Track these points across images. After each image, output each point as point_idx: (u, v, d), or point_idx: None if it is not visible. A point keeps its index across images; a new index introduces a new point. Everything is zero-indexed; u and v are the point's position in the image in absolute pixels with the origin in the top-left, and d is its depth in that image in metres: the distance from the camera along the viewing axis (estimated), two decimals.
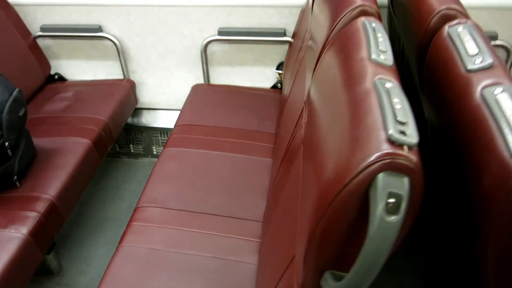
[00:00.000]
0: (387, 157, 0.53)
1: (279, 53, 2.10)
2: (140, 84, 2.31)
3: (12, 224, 1.45)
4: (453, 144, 0.76)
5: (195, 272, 1.26)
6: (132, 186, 2.30)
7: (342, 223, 0.58)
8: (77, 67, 2.33)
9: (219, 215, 1.44)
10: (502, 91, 0.65)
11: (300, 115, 1.25)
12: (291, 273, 0.75)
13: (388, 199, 0.51)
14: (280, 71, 2.10)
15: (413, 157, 0.53)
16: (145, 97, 2.36)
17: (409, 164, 0.53)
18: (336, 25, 1.04)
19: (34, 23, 2.18)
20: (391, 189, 0.52)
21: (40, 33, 2.19)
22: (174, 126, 1.87)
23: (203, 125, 1.84)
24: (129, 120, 2.36)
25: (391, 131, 0.55)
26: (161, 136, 2.37)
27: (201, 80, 2.24)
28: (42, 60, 2.20)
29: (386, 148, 0.53)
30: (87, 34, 2.16)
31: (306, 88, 1.22)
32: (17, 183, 1.60)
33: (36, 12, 2.16)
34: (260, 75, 2.19)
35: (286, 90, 1.76)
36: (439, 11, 0.97)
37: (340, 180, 0.56)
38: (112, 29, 2.15)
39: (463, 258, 0.76)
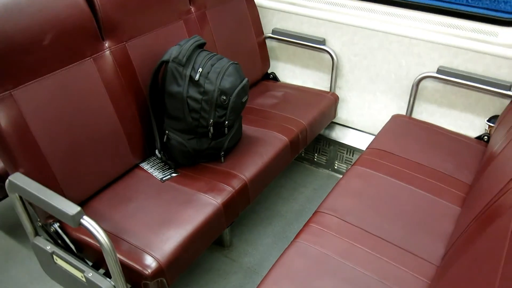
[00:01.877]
0: None
1: (496, 106, 1.98)
2: (342, 101, 2.42)
3: (211, 192, 1.66)
4: None
5: None
6: (307, 191, 2.41)
7: None
8: (291, 71, 2.54)
9: (393, 244, 1.44)
10: None
11: None
12: None
13: None
14: (492, 124, 1.97)
15: None
16: (343, 113, 2.46)
17: None
18: None
19: (268, 25, 2.45)
20: None
21: (270, 35, 2.45)
22: (367, 148, 1.91)
23: (396, 155, 1.85)
24: (322, 131, 2.48)
25: None
26: (346, 154, 2.44)
27: (402, 112, 2.24)
28: (265, 58, 2.46)
29: None
30: (311, 44, 2.34)
31: None
32: (222, 158, 1.83)
33: (273, 16, 2.43)
34: (467, 123, 2.09)
35: (496, 145, 1.66)
36: None
37: None
38: (334, 44, 2.29)
39: None
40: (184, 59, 1.65)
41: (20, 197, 1.48)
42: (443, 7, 1.96)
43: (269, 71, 2.56)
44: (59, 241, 1.55)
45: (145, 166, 1.83)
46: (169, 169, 1.80)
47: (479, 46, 1.90)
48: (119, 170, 1.76)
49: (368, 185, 1.69)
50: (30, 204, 1.52)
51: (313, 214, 1.59)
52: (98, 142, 1.64)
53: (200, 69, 1.65)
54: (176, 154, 1.79)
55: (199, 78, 1.64)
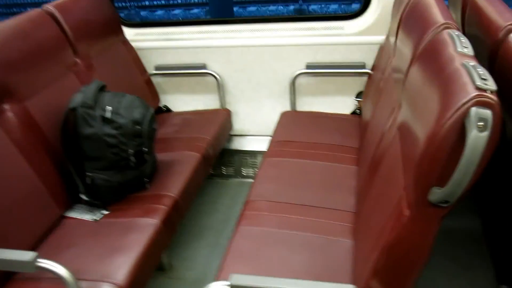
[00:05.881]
0: (477, 97, 0.82)
1: (358, 84, 2.42)
2: (233, 114, 2.70)
3: (147, 214, 1.79)
4: None
5: (302, 246, 1.54)
6: (226, 201, 2.62)
7: (446, 146, 0.86)
8: (181, 100, 2.76)
9: (316, 206, 1.73)
10: None
11: (383, 130, 1.54)
12: (400, 206, 1.02)
13: (479, 122, 0.79)
14: (360, 99, 2.40)
15: (493, 97, 0.83)
16: (237, 124, 2.73)
17: (491, 101, 0.82)
18: (422, 42, 1.34)
19: (149, 63, 2.65)
20: (480, 116, 0.80)
21: (154, 72, 2.65)
22: (270, 142, 2.20)
23: (294, 141, 2.16)
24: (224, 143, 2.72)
25: (478, 83, 0.84)
26: (250, 159, 2.71)
27: (288, 108, 2.58)
28: (154, 94, 2.65)
29: (476, 92, 0.82)
30: (193, 71, 2.60)
31: (395, 100, 1.51)
32: (147, 185, 1.96)
33: (152, 54, 2.64)
34: (340, 103, 2.51)
35: (367, 113, 2.05)
36: (505, 26, 1.27)
37: (444, 117, 0.85)
38: (214, 67, 2.57)
39: None
40: (92, 102, 1.78)
41: None
42: (297, 15, 2.36)
43: (161, 105, 2.74)
44: None
45: (72, 214, 1.87)
46: (98, 209, 1.88)
47: (333, 40, 2.33)
48: (47, 223, 1.77)
49: (281, 169, 1.97)
50: None
51: (245, 203, 1.80)
52: (20, 201, 1.65)
53: (110, 108, 1.79)
54: (103, 192, 1.87)
55: (111, 116, 1.78)
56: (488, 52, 1.33)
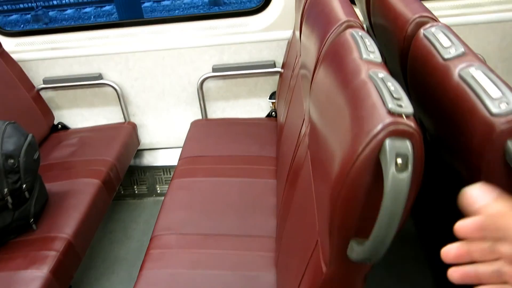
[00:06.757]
0: (390, 126, 0.62)
1: (271, 84, 2.23)
2: (140, 126, 2.42)
3: (33, 264, 1.49)
4: (442, 122, 0.87)
5: None
6: (140, 225, 2.34)
7: (360, 189, 0.66)
8: (79, 115, 2.43)
9: (233, 235, 1.51)
10: (476, 69, 0.76)
11: (299, 135, 1.35)
12: (317, 257, 0.83)
13: (397, 159, 0.60)
14: (273, 100, 2.22)
15: (411, 123, 0.63)
16: (146, 138, 2.46)
17: (409, 129, 0.62)
18: (325, 42, 1.16)
19: (37, 77, 2.30)
20: (397, 151, 0.61)
21: (43, 86, 2.30)
22: (179, 159, 1.96)
23: (206, 156, 1.93)
24: (132, 162, 2.44)
25: (390, 105, 0.65)
26: (164, 174, 2.45)
27: (198, 116, 2.35)
28: (45, 111, 2.30)
29: (389, 118, 0.63)
30: (88, 83, 2.28)
31: (304, 107, 1.33)
32: (34, 225, 1.65)
33: (38, 67, 2.28)
34: (254, 107, 2.31)
35: (281, 116, 1.87)
36: (413, 20, 1.11)
37: (354, 152, 0.65)
38: (112, 76, 2.27)
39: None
40: None
41: None
42: (197, 14, 2.12)
43: (55, 123, 2.40)
44: None
45: None
46: None
47: (238, 38, 2.12)
48: None
49: (192, 192, 1.73)
50: None
51: (150, 240, 1.55)
52: None
53: None
54: None
55: None
56: (398, 48, 1.17)
